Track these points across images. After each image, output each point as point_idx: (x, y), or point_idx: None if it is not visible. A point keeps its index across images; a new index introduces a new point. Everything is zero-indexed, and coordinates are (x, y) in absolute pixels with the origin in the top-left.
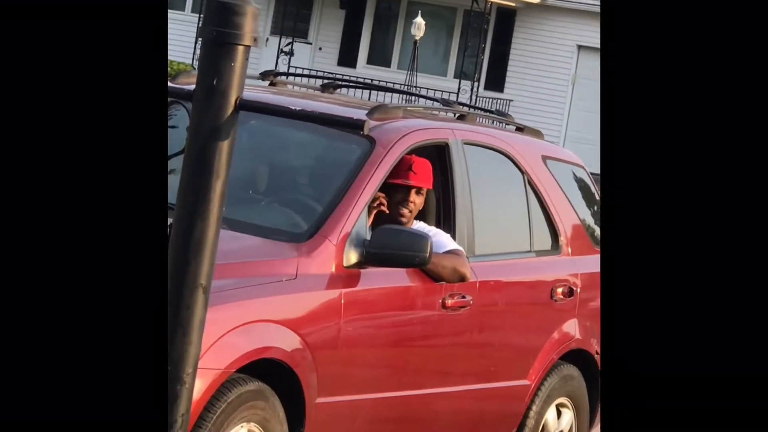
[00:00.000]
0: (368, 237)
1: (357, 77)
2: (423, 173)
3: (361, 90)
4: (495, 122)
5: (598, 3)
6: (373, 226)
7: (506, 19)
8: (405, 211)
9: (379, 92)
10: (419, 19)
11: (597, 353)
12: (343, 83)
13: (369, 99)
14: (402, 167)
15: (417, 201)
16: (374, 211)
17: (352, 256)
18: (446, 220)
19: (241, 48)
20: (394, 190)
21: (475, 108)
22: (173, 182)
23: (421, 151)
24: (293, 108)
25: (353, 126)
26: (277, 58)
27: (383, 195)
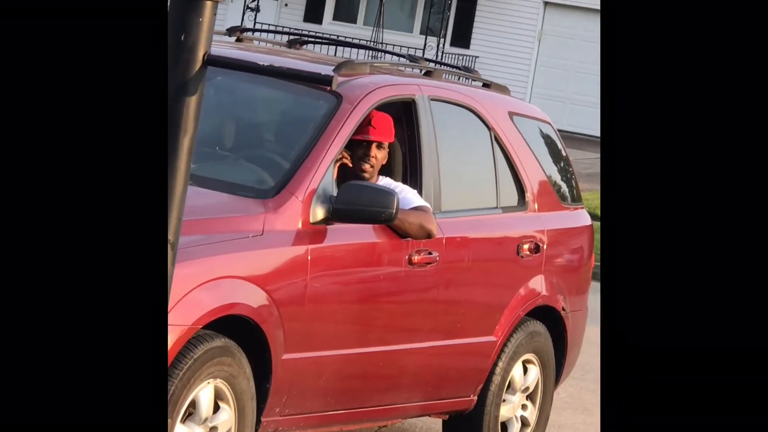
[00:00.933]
0: (335, 193)
1: (323, 33)
2: (383, 127)
3: (327, 46)
4: (461, 78)
5: None
6: (339, 183)
7: None
8: (367, 166)
9: (346, 48)
10: None
11: (563, 309)
12: (310, 39)
13: (335, 55)
14: (362, 123)
15: (378, 156)
16: (337, 165)
17: (318, 212)
18: (413, 176)
19: (209, 3)
20: (356, 145)
21: (441, 64)
22: None
23: (387, 107)
24: (261, 63)
25: (321, 81)
26: (243, 14)
27: (346, 151)
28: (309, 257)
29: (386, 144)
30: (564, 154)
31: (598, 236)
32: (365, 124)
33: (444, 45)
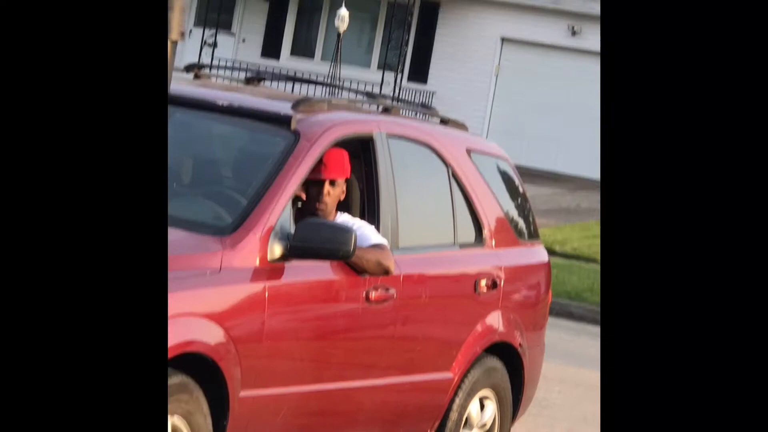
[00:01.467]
0: (292, 230)
1: (281, 69)
2: (335, 165)
3: (284, 82)
4: (419, 115)
5: None
6: (297, 220)
7: (430, 10)
8: (321, 205)
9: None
10: (343, 11)
11: (520, 345)
12: (268, 76)
13: (293, 91)
14: None
15: (333, 192)
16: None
17: (276, 250)
18: (370, 213)
19: (168, 43)
20: (309, 184)
21: (399, 101)
22: None
23: (345, 143)
24: (220, 102)
25: (280, 121)
26: (201, 49)
27: (302, 189)
28: (266, 294)
29: (341, 180)
30: (521, 190)
31: (555, 272)
32: (318, 162)
33: (401, 80)
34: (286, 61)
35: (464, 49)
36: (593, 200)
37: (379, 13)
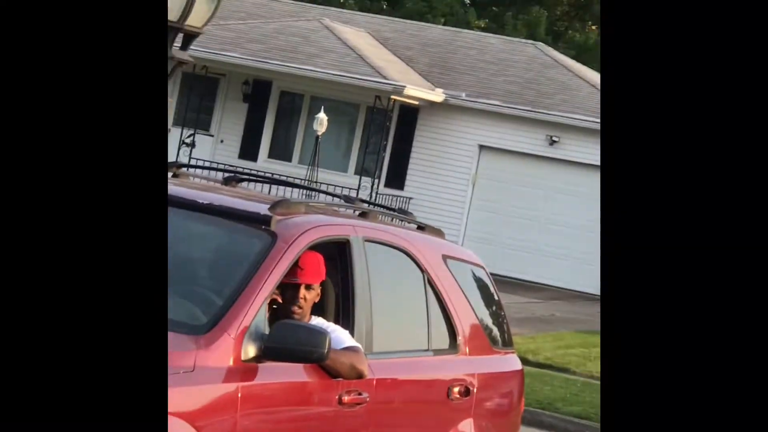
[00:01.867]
0: (267, 331)
1: (257, 171)
2: (311, 269)
3: (261, 184)
4: (396, 219)
5: (500, 104)
6: (271, 322)
7: (408, 117)
8: (296, 308)
9: (281, 186)
10: (322, 115)
11: None
12: (246, 177)
13: (269, 193)
14: None
15: (308, 296)
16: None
17: (250, 350)
18: (345, 317)
19: None
20: (285, 288)
21: (377, 206)
22: None
23: (321, 246)
24: (200, 201)
25: (258, 221)
26: (179, 149)
27: (277, 291)
28: (239, 395)
29: (316, 284)
30: (496, 298)
31: (527, 381)
32: (293, 266)
33: (378, 185)
34: (264, 163)
35: (442, 156)
36: (567, 310)
37: (358, 118)
